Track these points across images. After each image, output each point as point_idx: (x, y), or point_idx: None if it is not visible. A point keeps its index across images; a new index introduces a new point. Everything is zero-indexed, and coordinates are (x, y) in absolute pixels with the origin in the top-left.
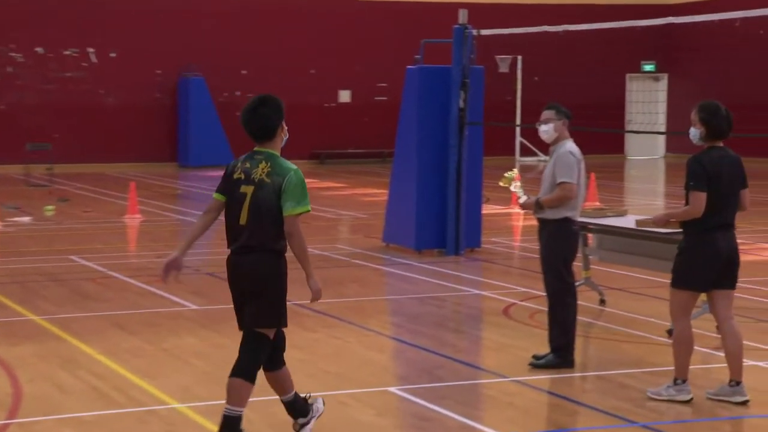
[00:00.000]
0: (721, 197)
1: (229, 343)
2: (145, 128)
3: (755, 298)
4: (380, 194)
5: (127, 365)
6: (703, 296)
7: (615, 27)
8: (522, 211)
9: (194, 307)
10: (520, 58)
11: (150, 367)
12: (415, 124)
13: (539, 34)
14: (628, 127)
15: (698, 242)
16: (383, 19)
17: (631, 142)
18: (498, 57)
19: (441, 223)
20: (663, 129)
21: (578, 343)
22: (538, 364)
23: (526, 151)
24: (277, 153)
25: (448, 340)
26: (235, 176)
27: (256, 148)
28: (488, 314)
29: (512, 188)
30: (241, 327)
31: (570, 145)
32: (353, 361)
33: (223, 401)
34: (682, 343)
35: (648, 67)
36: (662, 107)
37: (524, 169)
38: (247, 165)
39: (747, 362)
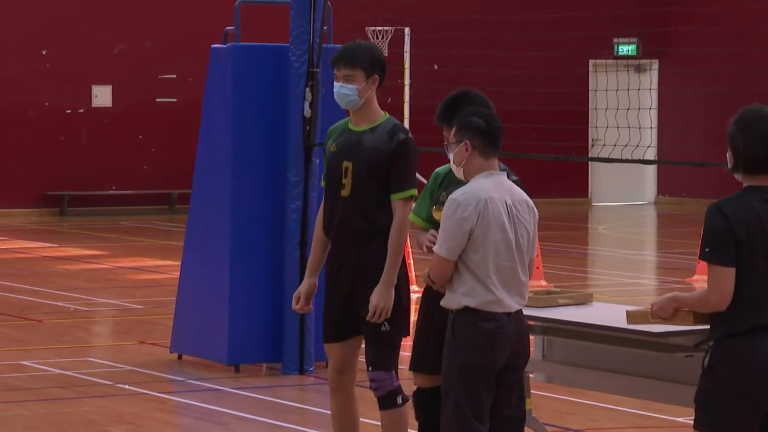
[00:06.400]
0: (764, 275)
1: None
2: None
3: None
4: (167, 269)
5: None
6: None
7: None
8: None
9: None
10: (407, 31)
11: None
12: (228, 145)
13: None
14: (593, 152)
15: (727, 354)
16: None
17: (599, 177)
18: (371, 29)
19: (273, 321)
20: (653, 155)
21: None
22: None
23: None
24: None
25: None
26: None
27: None
28: None
29: None
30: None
31: (471, 185)
32: None
33: None
34: None
35: (626, 49)
36: (651, 117)
37: None
38: None
39: None
